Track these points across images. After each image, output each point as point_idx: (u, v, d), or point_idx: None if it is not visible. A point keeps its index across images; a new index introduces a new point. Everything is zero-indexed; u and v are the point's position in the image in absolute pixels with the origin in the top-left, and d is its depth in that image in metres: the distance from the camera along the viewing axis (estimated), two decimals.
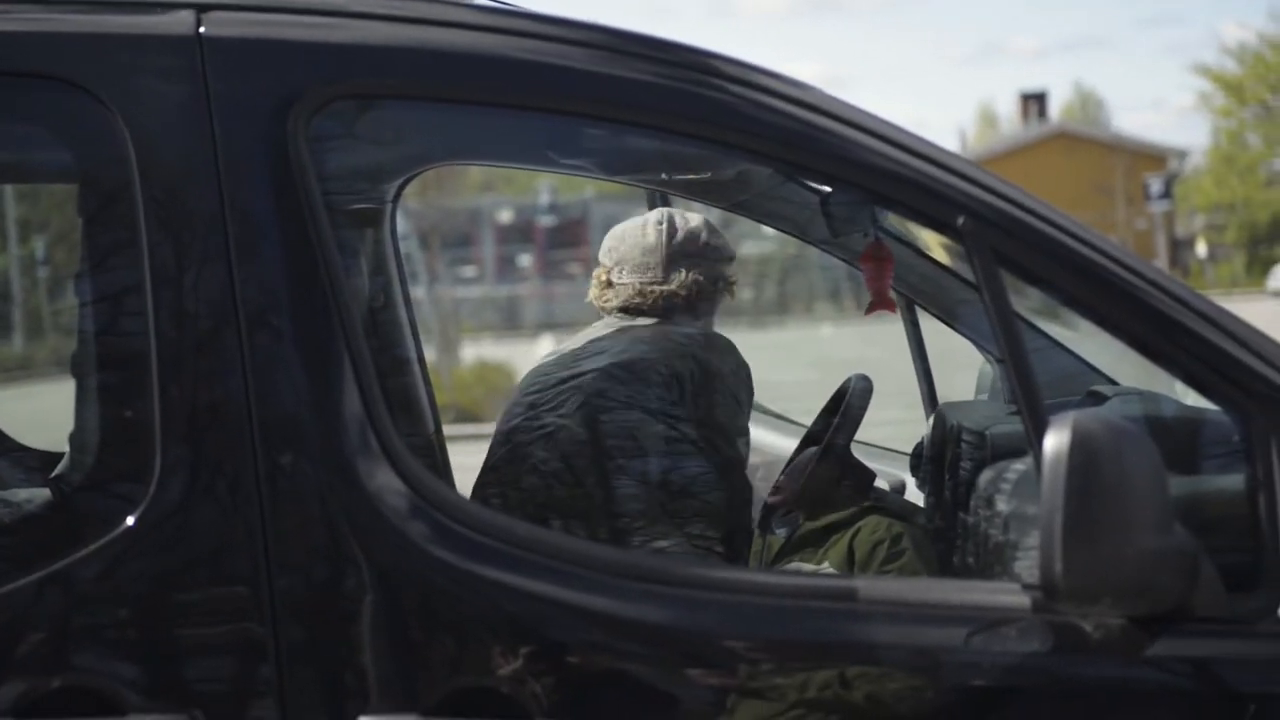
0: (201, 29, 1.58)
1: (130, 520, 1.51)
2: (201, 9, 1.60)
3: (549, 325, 28.40)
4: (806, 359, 15.90)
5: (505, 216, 35.70)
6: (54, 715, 1.48)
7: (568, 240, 35.07)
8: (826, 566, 2.22)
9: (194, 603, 1.56)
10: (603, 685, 1.56)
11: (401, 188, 2.23)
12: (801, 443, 2.49)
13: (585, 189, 32.30)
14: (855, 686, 1.51)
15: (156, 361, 1.52)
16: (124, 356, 1.56)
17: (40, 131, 1.79)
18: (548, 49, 1.66)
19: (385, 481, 1.55)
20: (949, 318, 2.53)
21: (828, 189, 2.02)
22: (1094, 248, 1.59)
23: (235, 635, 1.52)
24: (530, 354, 21.49)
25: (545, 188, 32.06)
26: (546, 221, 33.29)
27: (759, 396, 2.53)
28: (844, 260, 2.58)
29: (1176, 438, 1.87)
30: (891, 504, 2.40)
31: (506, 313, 31.88)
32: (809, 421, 2.55)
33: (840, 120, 1.59)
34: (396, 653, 1.58)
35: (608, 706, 1.55)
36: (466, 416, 13.14)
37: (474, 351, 18.22)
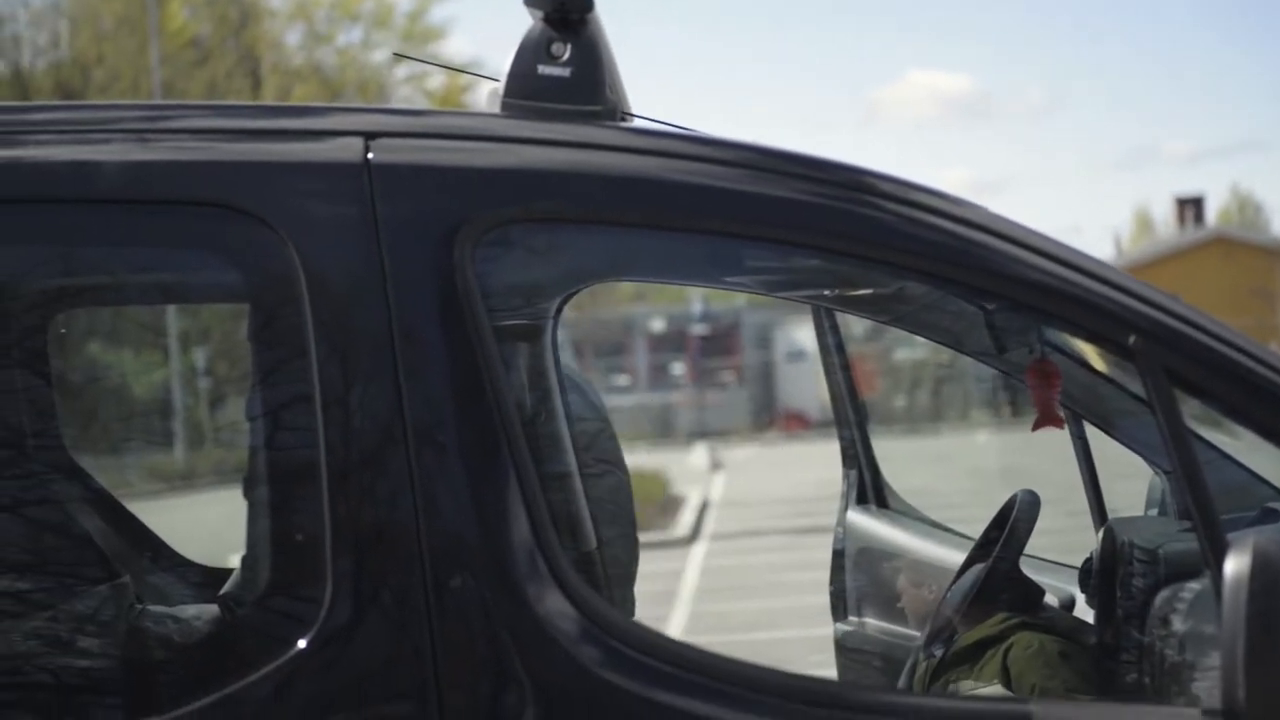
0: (370, 155, 1.59)
1: (302, 643, 1.49)
2: (369, 136, 1.62)
3: (702, 433, 28.44)
4: (963, 468, 15.47)
5: (658, 325, 36.01)
6: None
7: (720, 349, 35.01)
8: (996, 687, 2.14)
9: None
10: None
11: (562, 305, 2.23)
12: (967, 560, 2.40)
13: (737, 298, 32.45)
14: None
15: (327, 481, 1.50)
16: (294, 476, 1.55)
17: (214, 256, 1.78)
18: (709, 171, 1.66)
19: (554, 605, 1.52)
20: (1112, 429, 2.42)
21: (990, 305, 1.97)
22: (1266, 364, 1.54)
23: None
24: (684, 463, 21.44)
25: (697, 297, 32.38)
26: (699, 330, 33.43)
27: (919, 505, 2.43)
28: (1007, 374, 2.50)
29: None
30: (1059, 620, 2.32)
31: (660, 421, 31.87)
32: (965, 530, 2.46)
33: (1004, 237, 1.56)
34: None
35: None
36: None
37: (628, 460, 18.26)
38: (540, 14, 1.64)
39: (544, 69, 1.63)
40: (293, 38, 29.08)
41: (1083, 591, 2.40)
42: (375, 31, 29.30)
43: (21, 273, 1.76)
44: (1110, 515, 2.55)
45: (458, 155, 1.69)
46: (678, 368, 35.97)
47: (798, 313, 34.42)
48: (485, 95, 1.78)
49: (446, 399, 1.54)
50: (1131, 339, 1.53)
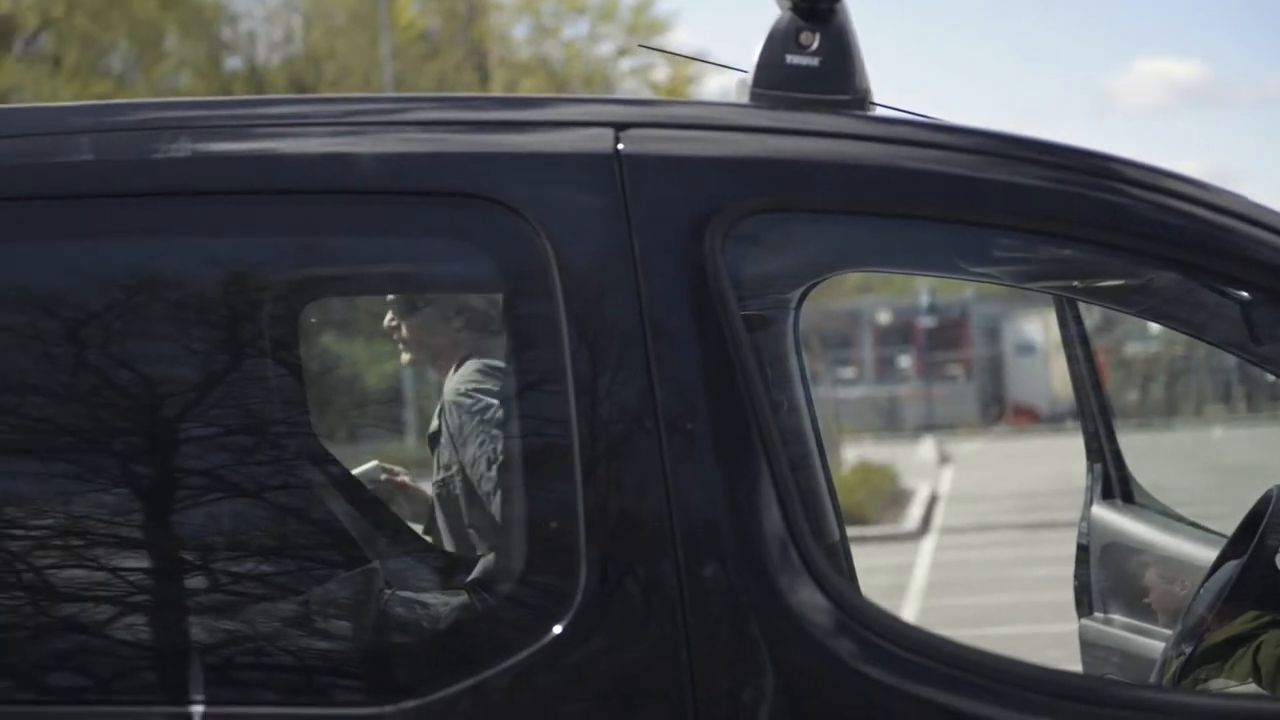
0: (620, 146, 1.57)
1: (558, 629, 1.48)
2: (619, 127, 1.60)
3: (929, 427, 27.71)
4: (1201, 463, 14.52)
5: (884, 318, 35.40)
6: None
7: (948, 341, 34.07)
8: (1250, 686, 2.07)
9: (617, 714, 1.53)
10: None
11: (806, 294, 2.21)
12: (1220, 556, 2.28)
13: (965, 290, 31.33)
14: None
15: (580, 469, 1.49)
16: (547, 464, 1.54)
17: (466, 247, 1.76)
18: (959, 160, 1.63)
19: (808, 597, 1.50)
20: None
21: (1247, 294, 1.85)
22: None
23: None
24: (912, 456, 20.95)
25: (925, 289, 31.54)
26: (926, 323, 32.57)
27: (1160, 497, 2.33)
28: (1262, 367, 2.34)
29: None
30: None
31: (887, 414, 31.35)
32: (1212, 526, 2.41)
33: (1262, 225, 1.48)
34: None
35: None
36: (850, 519, 13.21)
37: (855, 453, 18.08)
38: (788, 4, 1.62)
39: (792, 59, 1.60)
40: (520, 31, 29.64)
41: None
42: (601, 24, 29.49)
43: (274, 264, 1.76)
44: None
45: (707, 145, 1.67)
46: (905, 360, 35.19)
47: (1027, 306, 33.15)
48: (734, 86, 1.77)
49: (698, 388, 1.52)
50: None
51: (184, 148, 1.59)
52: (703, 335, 1.52)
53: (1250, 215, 1.48)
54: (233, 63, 27.16)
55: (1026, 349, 33.45)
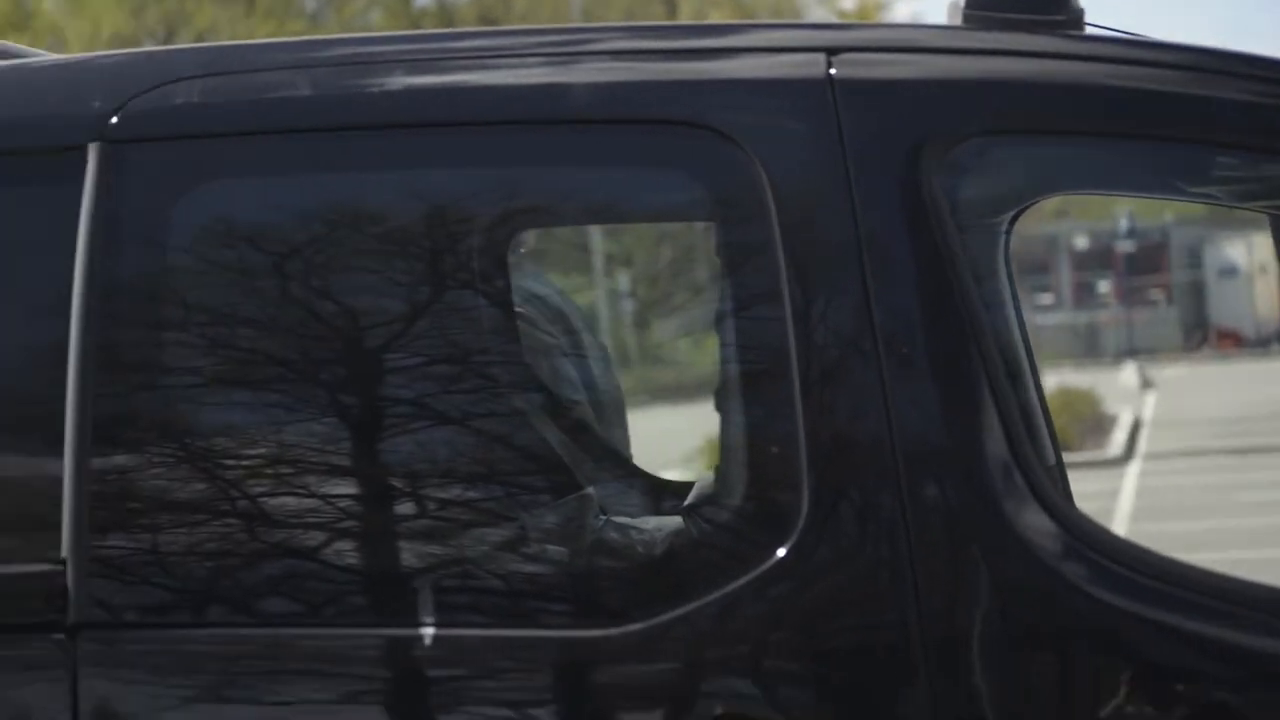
0: (832, 71, 1.55)
1: (781, 552, 1.48)
2: (831, 52, 1.57)
3: (1130, 352, 26.59)
4: None
5: (1081, 243, 33.89)
6: None
7: (1148, 266, 32.65)
8: None
9: (840, 636, 1.52)
10: None
11: (1017, 217, 2.12)
12: None
13: (1165, 213, 29.63)
14: None
15: (799, 392, 1.47)
16: (766, 388, 1.53)
17: (680, 175, 1.74)
18: (1180, 78, 1.58)
19: (1034, 521, 1.48)
20: None
21: None
22: None
23: (883, 673, 1.48)
24: (1113, 382, 20.15)
25: (1123, 213, 29.99)
26: (1125, 247, 31.03)
27: None
28: None
29: None
30: None
31: (1086, 340, 30.31)
32: None
33: None
34: (1047, 696, 1.50)
35: None
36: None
37: (1055, 379, 17.54)
38: None
39: None
40: None
41: None
42: None
43: (489, 194, 1.74)
44: None
45: (921, 68, 1.65)
46: (1103, 285, 33.74)
47: (1229, 228, 31.18)
48: (946, 8, 1.74)
49: (915, 310, 1.50)
50: None
51: (391, 82, 1.61)
52: (919, 258, 1.51)
53: None
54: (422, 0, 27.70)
55: (1229, 272, 31.51)
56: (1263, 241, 24.81)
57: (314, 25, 24.45)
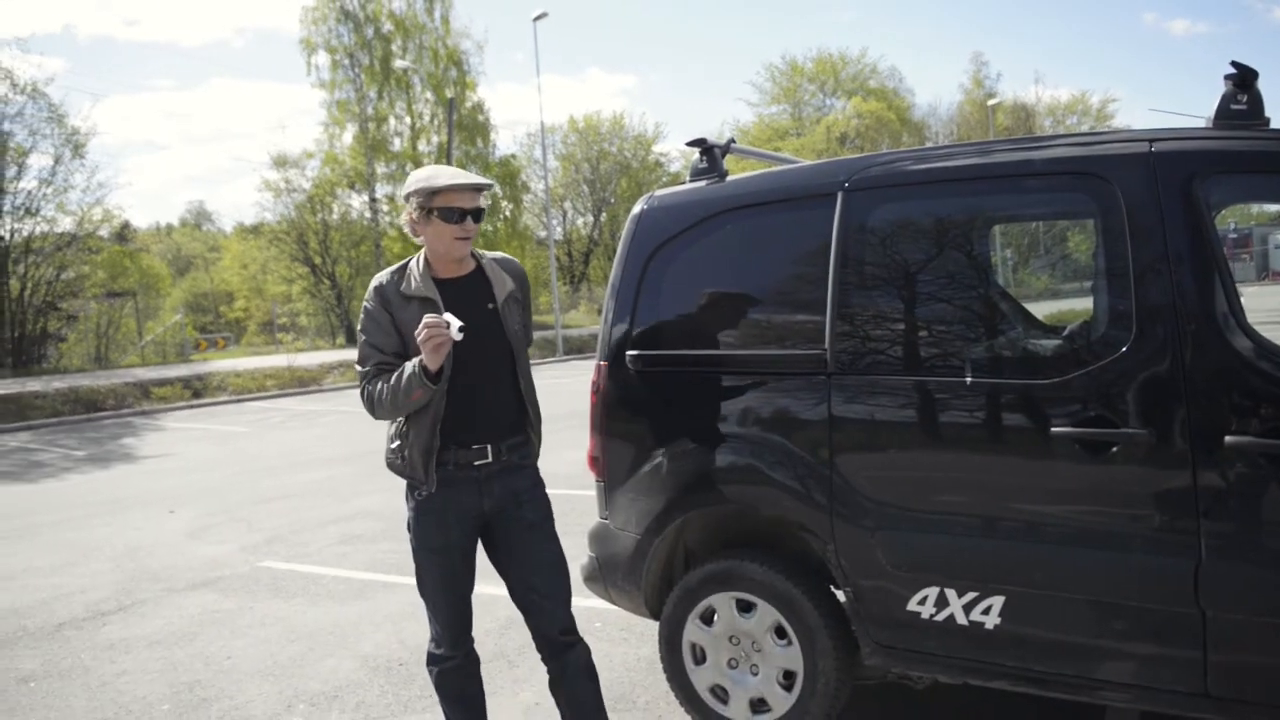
0: (1152, 149, 2.82)
1: (1124, 349, 2.74)
2: (1150, 141, 2.83)
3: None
4: None
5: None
6: None
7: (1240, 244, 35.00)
8: None
9: (1146, 390, 2.72)
10: None
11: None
12: None
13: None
14: None
15: (1135, 287, 2.86)
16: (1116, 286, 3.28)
17: (1082, 197, 3.03)
18: None
19: (1239, 340, 2.63)
20: None
21: None
22: None
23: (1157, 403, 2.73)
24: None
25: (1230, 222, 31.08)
26: (1232, 237, 32.33)
27: None
28: None
29: None
30: None
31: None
32: None
33: None
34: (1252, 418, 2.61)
35: None
36: None
37: None
38: (1232, 80, 2.77)
39: (1235, 106, 2.80)
40: None
41: None
42: None
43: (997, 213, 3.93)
44: None
45: (1200, 145, 2.80)
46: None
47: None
48: (1208, 120, 2.95)
49: (1188, 273, 2.73)
50: None
51: (969, 160, 3.26)
52: (1194, 240, 2.70)
53: None
54: None
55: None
56: None
57: None
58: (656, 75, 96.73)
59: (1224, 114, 2.85)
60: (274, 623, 5.69)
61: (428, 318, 2.84)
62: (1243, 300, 2.80)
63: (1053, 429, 2.86)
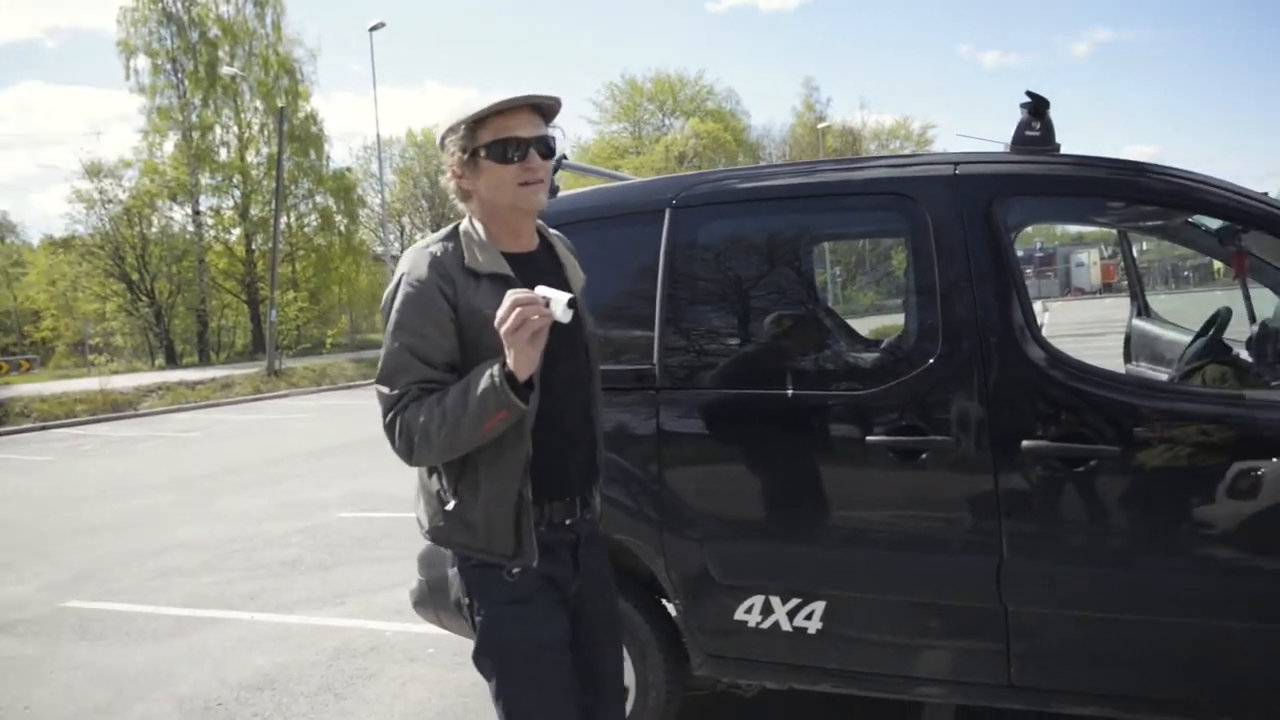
0: (956, 171, 3.02)
1: (931, 360, 2.87)
2: (955, 164, 3.02)
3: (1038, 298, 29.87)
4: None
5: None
6: None
7: (1046, 262, 45.10)
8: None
9: (950, 392, 2.85)
10: None
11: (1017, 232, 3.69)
12: (1195, 336, 3.97)
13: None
14: (1226, 429, 2.67)
15: (940, 304, 3.01)
16: (924, 303, 3.16)
17: (893, 215, 3.19)
18: (1077, 168, 2.93)
19: (1033, 350, 3.70)
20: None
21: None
22: None
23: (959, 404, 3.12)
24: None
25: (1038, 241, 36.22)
26: (1039, 255, 37.97)
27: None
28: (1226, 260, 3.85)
29: None
30: (1230, 360, 3.62)
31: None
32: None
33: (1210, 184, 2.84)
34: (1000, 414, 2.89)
35: None
36: None
37: None
38: (1027, 105, 2.96)
39: (1029, 133, 2.99)
40: None
41: (1247, 349, 3.83)
42: None
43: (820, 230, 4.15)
44: (1259, 317, 3.99)
45: (993, 168, 3.02)
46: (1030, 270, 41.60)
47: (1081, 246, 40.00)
48: (1006, 146, 3.23)
49: (988, 283, 2.93)
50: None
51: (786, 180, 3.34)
52: (991, 250, 2.86)
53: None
54: None
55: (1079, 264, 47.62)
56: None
57: None
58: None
59: (1020, 139, 3.03)
60: (79, 667, 5.31)
61: (515, 294, 1.93)
62: (1048, 315, 2.99)
63: (869, 438, 2.96)
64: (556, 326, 1.96)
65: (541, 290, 1.95)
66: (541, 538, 2.12)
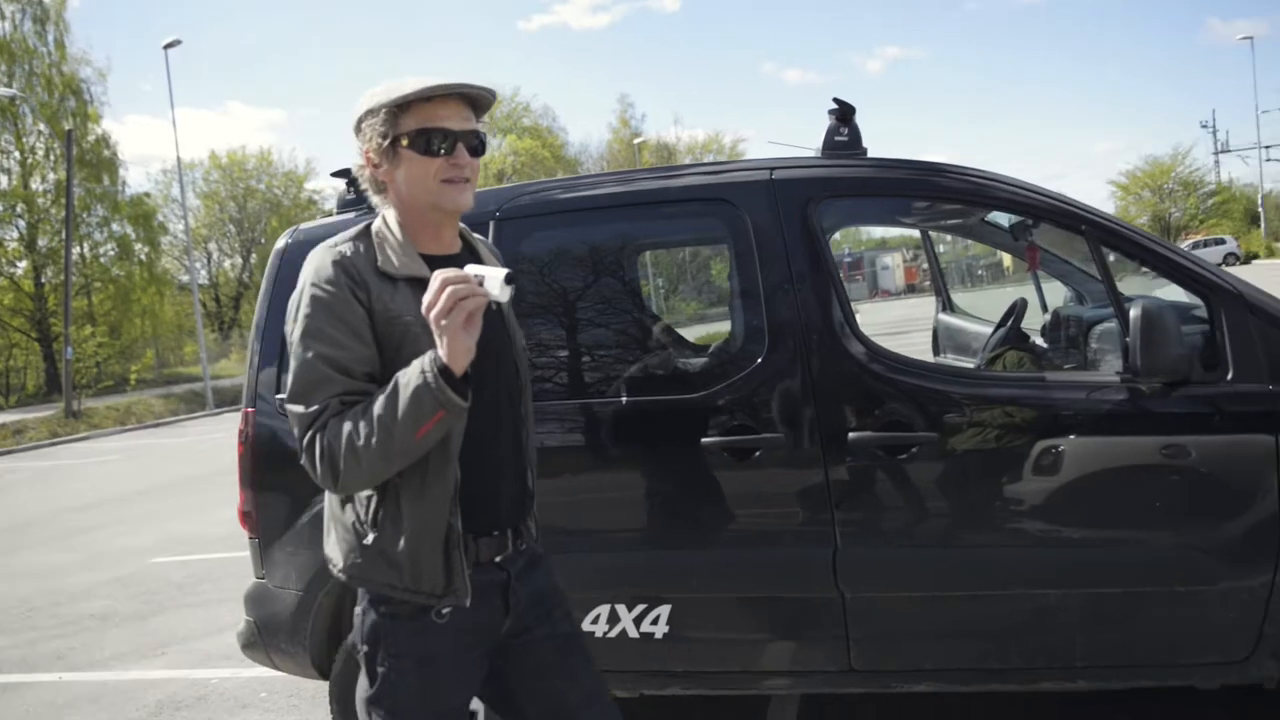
0: (772, 176, 3.10)
1: (759, 361, 2.94)
2: (772, 170, 3.10)
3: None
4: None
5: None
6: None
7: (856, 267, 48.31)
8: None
9: (782, 387, 2.96)
10: None
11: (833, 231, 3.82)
12: (995, 327, 4.21)
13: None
14: (1028, 409, 2.85)
15: (765, 307, 3.10)
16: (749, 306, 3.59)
17: (715, 221, 3.30)
18: (889, 172, 3.15)
19: (854, 345, 3.64)
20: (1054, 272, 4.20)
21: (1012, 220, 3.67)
22: (1143, 236, 2.86)
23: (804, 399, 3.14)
24: None
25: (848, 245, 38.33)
26: (848, 259, 42.49)
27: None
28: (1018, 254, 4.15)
29: (1182, 311, 3.02)
30: (1031, 348, 3.88)
31: None
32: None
33: (1008, 184, 3.04)
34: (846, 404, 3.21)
35: None
36: None
37: None
38: (834, 112, 3.16)
39: (838, 137, 3.14)
40: None
41: (1042, 336, 4.16)
42: None
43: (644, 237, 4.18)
44: (1050, 306, 4.35)
45: (809, 172, 3.10)
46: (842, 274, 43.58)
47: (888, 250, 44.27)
48: (817, 150, 3.43)
49: (808, 271, 3.15)
50: (1082, 227, 2.83)
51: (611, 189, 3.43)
52: (808, 250, 2.95)
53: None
54: None
55: (885, 267, 50.56)
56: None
57: None
58: (308, 110, 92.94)
59: (830, 144, 3.15)
60: None
61: (444, 273, 1.72)
62: (859, 316, 3.12)
63: (703, 440, 3.00)
64: (484, 339, 1.77)
65: (472, 269, 1.75)
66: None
